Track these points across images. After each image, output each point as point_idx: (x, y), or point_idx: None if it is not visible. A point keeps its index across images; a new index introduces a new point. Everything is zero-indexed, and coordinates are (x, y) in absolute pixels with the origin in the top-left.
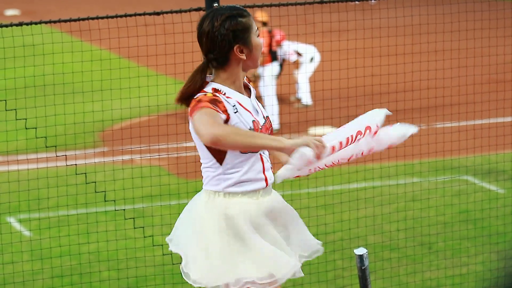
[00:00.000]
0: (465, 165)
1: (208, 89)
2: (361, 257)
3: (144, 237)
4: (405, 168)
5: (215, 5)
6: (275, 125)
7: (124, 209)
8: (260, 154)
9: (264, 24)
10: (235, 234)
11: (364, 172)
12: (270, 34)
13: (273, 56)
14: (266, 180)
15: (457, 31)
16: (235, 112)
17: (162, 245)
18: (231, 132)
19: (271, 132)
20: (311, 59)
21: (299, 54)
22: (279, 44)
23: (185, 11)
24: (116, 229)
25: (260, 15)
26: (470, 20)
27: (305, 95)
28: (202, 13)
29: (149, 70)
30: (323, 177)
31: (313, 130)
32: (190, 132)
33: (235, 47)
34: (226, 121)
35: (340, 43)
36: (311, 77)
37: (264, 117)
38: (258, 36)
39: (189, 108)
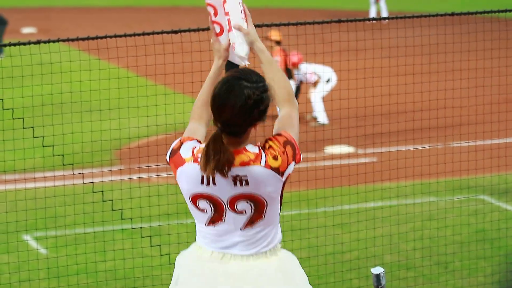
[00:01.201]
0: (481, 185)
1: (254, 148)
2: (378, 276)
3: (161, 255)
4: (421, 187)
5: None
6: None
7: (141, 227)
8: None
9: (278, 43)
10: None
11: (381, 191)
12: (285, 53)
13: (288, 74)
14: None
15: (474, 50)
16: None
17: None
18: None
19: None
20: (328, 80)
21: (317, 79)
22: (296, 66)
23: (203, 30)
24: (132, 247)
25: (274, 34)
26: (487, 39)
27: (320, 114)
28: None
29: (166, 88)
30: (339, 196)
31: (329, 149)
32: None
33: (256, 124)
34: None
35: (357, 62)
36: (328, 96)
37: None
38: None
39: (285, 161)
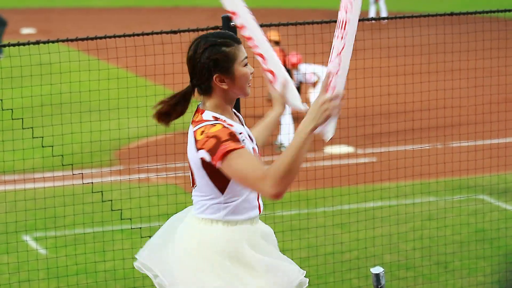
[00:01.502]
0: (481, 184)
1: (208, 116)
2: (377, 276)
3: None
4: (421, 187)
5: (232, 24)
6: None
7: (140, 227)
8: None
9: (277, 43)
10: (238, 260)
11: (380, 191)
12: (284, 53)
13: (289, 74)
14: (259, 207)
15: (473, 50)
16: (242, 140)
17: None
18: (279, 169)
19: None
20: None
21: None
22: (295, 66)
23: (202, 30)
24: (132, 247)
25: (273, 34)
26: (486, 39)
27: None
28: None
29: (165, 88)
30: (339, 196)
31: (329, 149)
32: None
33: (214, 76)
34: None
35: (357, 62)
36: None
37: (257, 145)
38: (246, 65)
39: (202, 143)
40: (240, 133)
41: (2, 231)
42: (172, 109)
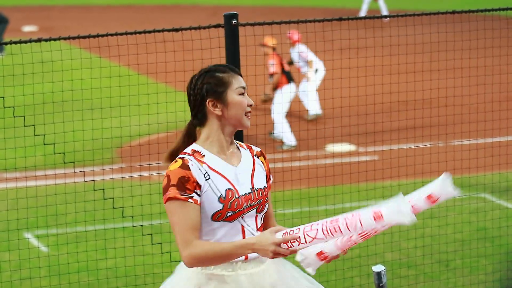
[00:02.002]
0: (482, 183)
1: (188, 150)
2: (379, 274)
3: (162, 253)
4: (422, 185)
5: (233, 22)
6: (291, 142)
7: (141, 225)
8: (241, 224)
9: (273, 49)
10: None
11: (382, 189)
12: (280, 57)
13: (288, 76)
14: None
15: (475, 48)
16: (206, 180)
17: (179, 261)
18: (203, 253)
19: (259, 204)
20: (316, 70)
21: (309, 64)
22: (294, 44)
23: (204, 28)
24: (133, 245)
25: (269, 40)
26: (489, 37)
27: (312, 104)
28: (221, 29)
29: (167, 86)
30: (340, 194)
31: (330, 147)
32: None
33: (207, 101)
34: (199, 190)
35: (358, 60)
36: (329, 94)
37: (251, 188)
38: (243, 95)
39: (165, 179)
40: (205, 173)
41: (3, 228)
42: (180, 148)
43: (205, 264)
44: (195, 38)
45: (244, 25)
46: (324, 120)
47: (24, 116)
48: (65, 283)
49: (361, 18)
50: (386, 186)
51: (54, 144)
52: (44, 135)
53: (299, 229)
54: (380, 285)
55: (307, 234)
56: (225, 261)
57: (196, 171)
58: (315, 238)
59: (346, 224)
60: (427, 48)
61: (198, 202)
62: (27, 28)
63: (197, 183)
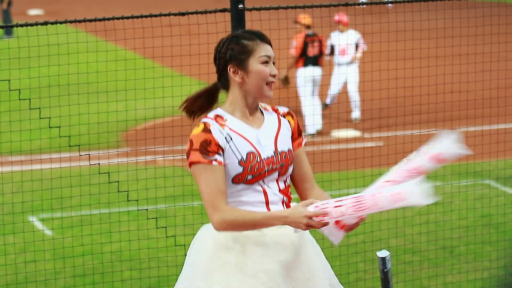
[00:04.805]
0: (487, 169)
1: (211, 114)
2: (383, 259)
3: (166, 237)
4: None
5: (240, 6)
6: (318, 125)
7: (146, 209)
8: (262, 186)
9: (307, 27)
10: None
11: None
12: (308, 38)
13: (307, 60)
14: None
15: (481, 35)
16: (228, 142)
17: (184, 245)
18: (235, 218)
19: (282, 167)
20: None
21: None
22: (346, 26)
23: (210, 12)
24: (138, 229)
25: (303, 17)
26: (494, 24)
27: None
28: (227, 14)
29: (173, 70)
30: (345, 180)
31: (336, 133)
32: None
33: (228, 66)
34: (222, 152)
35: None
36: (335, 80)
37: (274, 151)
38: (266, 64)
39: (188, 143)
40: (226, 136)
41: (8, 211)
42: (193, 105)
43: (234, 229)
44: (201, 22)
45: (250, 9)
46: (330, 106)
47: (29, 99)
48: (69, 266)
49: (366, 3)
50: None
51: (59, 127)
52: (49, 118)
53: (328, 203)
54: (385, 270)
55: (337, 210)
56: (254, 229)
57: (218, 134)
58: (344, 214)
59: (372, 203)
60: (433, 34)
61: (222, 163)
62: (33, 12)
63: (219, 145)
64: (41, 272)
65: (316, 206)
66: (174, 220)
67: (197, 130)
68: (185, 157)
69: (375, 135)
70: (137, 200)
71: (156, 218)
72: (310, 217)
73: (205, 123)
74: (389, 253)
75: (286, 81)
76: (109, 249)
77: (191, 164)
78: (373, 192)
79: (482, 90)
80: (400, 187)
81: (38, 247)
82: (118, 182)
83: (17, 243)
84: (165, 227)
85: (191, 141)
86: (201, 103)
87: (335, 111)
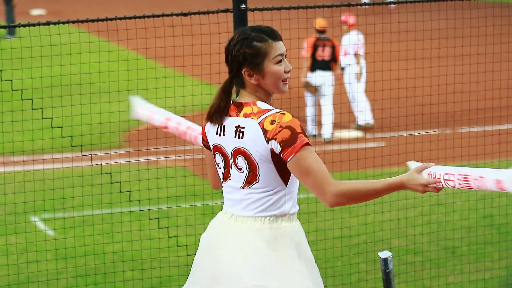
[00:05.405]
0: None
1: (266, 106)
2: (385, 260)
3: (169, 237)
4: None
5: (242, 6)
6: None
7: (148, 210)
8: None
9: (320, 32)
10: (301, 255)
11: (389, 176)
12: (319, 42)
13: (315, 64)
14: None
15: (484, 35)
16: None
17: (186, 245)
18: (352, 190)
19: None
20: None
21: (356, 57)
22: (351, 28)
23: (213, 12)
24: (140, 229)
25: (318, 22)
26: (497, 24)
27: (365, 114)
28: (229, 14)
29: (175, 71)
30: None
31: (338, 134)
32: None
33: (243, 70)
34: None
35: (366, 46)
36: (337, 80)
37: None
38: (280, 62)
39: (275, 134)
40: None
41: (10, 211)
42: (220, 104)
43: (350, 200)
44: (203, 22)
45: (253, 10)
46: (333, 107)
47: (32, 99)
48: (71, 266)
49: (368, 4)
50: (393, 172)
51: (61, 127)
52: (51, 118)
53: (440, 173)
54: (387, 271)
55: (446, 182)
56: (371, 198)
57: None
58: (453, 186)
59: (477, 185)
60: (436, 35)
61: None
62: (35, 12)
63: None
64: (43, 273)
65: (429, 174)
66: (176, 221)
67: (289, 117)
68: (280, 146)
69: (377, 136)
70: (139, 201)
71: (158, 218)
72: (426, 185)
73: (288, 112)
74: (391, 253)
75: (308, 85)
76: (111, 250)
77: (305, 145)
78: (480, 174)
79: (485, 90)
80: (503, 174)
81: (40, 247)
82: (120, 182)
83: (19, 243)
84: (167, 228)
85: (289, 127)
86: (224, 103)
87: (337, 112)
